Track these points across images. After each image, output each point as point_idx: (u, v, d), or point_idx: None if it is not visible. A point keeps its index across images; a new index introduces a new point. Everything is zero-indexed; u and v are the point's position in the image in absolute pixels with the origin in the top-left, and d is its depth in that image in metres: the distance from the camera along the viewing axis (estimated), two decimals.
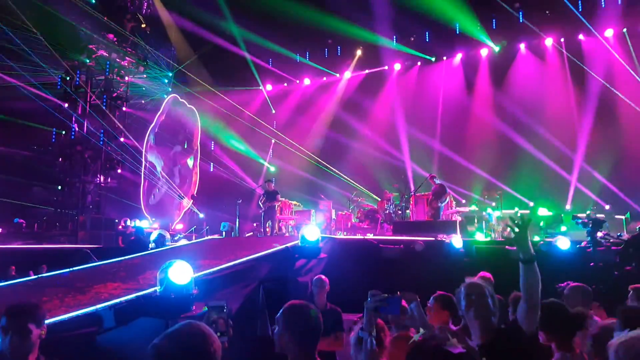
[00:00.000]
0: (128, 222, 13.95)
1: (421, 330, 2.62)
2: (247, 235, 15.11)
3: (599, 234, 8.51)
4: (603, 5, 15.09)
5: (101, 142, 16.67)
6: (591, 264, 7.63)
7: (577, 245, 8.60)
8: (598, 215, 9.38)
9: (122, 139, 17.50)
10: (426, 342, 1.77)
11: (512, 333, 2.65)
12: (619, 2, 14.95)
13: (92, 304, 4.29)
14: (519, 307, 2.68)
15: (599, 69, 15.18)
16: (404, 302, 2.86)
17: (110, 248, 11.66)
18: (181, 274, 3.89)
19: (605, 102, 15.07)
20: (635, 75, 14.69)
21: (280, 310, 2.45)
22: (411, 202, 14.13)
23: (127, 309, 4.24)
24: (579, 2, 15.36)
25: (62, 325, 3.72)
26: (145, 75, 18.72)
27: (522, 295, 2.66)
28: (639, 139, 14.38)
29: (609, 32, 15.48)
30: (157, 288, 3.95)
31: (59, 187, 16.23)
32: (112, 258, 7.33)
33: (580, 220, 9.15)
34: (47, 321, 2.82)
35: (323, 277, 5.64)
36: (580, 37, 15.88)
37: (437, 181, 13.01)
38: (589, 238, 8.47)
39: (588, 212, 11.14)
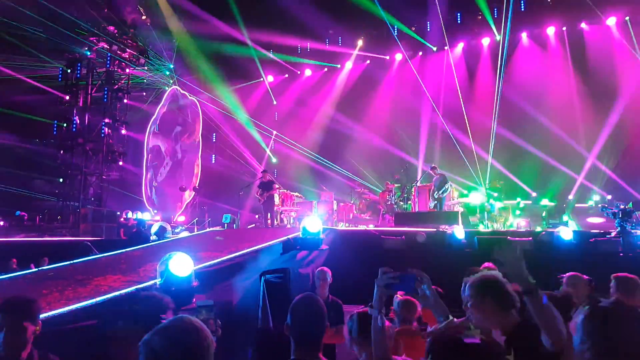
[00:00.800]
0: (129, 215, 13.95)
1: (439, 320, 2.59)
2: (249, 227, 15.13)
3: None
4: None
5: (102, 135, 16.64)
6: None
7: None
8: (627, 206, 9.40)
9: (123, 131, 17.48)
10: (445, 333, 1.75)
11: (536, 328, 2.30)
12: None
13: (92, 296, 4.27)
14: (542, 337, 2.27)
15: (602, 57, 15.04)
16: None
17: (111, 240, 11.68)
18: (181, 266, 3.86)
19: (607, 91, 14.95)
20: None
21: (291, 305, 2.51)
22: (413, 194, 14.11)
23: (127, 302, 4.23)
24: None
25: (61, 317, 3.71)
26: (146, 68, 18.64)
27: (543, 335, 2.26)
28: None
29: (611, 21, 15.32)
30: (157, 280, 3.92)
31: (61, 180, 16.22)
32: (114, 250, 7.32)
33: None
34: (45, 315, 2.79)
35: (326, 269, 5.64)
36: (583, 25, 15.71)
37: (438, 171, 12.98)
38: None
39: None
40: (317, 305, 2.48)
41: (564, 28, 16.05)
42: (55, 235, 13.55)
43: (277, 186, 13.04)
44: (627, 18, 15.06)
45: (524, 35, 16.91)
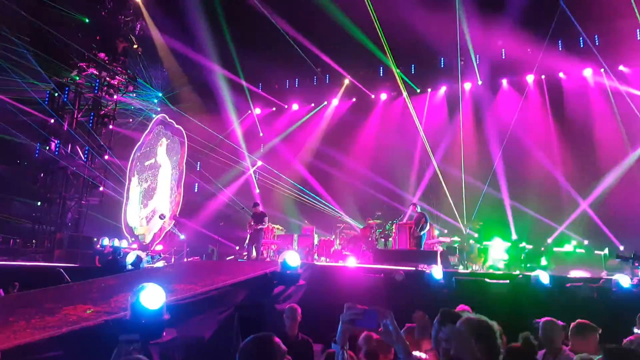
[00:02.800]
0: (106, 242, 13.70)
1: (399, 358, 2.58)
2: (227, 258, 14.94)
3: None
4: (582, 46, 15.62)
5: (85, 160, 16.52)
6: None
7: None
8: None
9: (106, 157, 17.38)
10: None
11: None
12: (597, 43, 15.49)
13: (59, 326, 4.18)
14: None
15: (579, 106, 15.60)
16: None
17: (86, 268, 11.42)
18: (152, 298, 3.81)
19: (584, 138, 15.45)
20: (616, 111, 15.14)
21: (240, 347, 2.37)
22: (394, 231, 14.16)
23: (95, 333, 4.14)
24: (559, 41, 15.90)
25: (25, 348, 3.61)
26: (134, 95, 18.75)
27: None
28: (618, 176, 14.74)
29: (588, 72, 16.00)
30: (127, 312, 3.87)
31: (39, 203, 15.96)
32: (88, 278, 7.17)
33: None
34: (8, 348, 2.72)
35: (295, 306, 5.55)
36: (561, 74, 16.35)
37: (419, 209, 13.10)
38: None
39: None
40: (269, 348, 2.34)
41: (543, 76, 16.67)
42: (28, 260, 13.21)
43: (266, 219, 12.95)
44: (602, 70, 15.74)
45: (504, 81, 17.49)
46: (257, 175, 21.05)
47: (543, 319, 4.80)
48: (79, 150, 16.70)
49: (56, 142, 16.19)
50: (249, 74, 19.25)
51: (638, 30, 15.01)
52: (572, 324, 4.48)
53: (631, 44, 15.11)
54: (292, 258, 7.22)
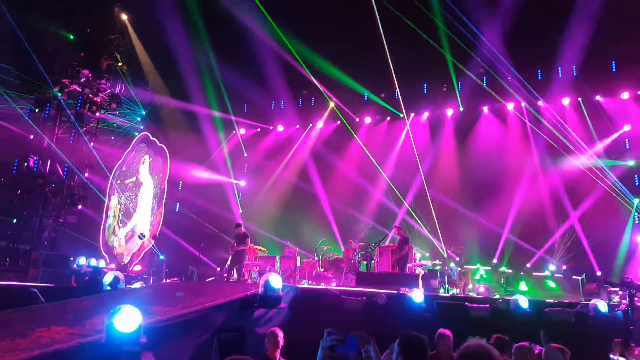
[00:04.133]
0: (83, 261, 13.38)
1: None
2: (208, 280, 14.72)
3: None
4: (560, 75, 16.12)
5: (64, 177, 16.23)
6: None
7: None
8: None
9: (86, 174, 17.10)
10: None
11: None
12: (574, 73, 16.01)
13: (31, 348, 4.05)
14: None
15: (558, 132, 16.00)
16: None
17: (61, 288, 11.11)
18: (129, 320, 3.73)
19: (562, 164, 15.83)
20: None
21: None
22: (376, 253, 14.15)
23: (69, 356, 4.01)
24: (539, 71, 16.39)
25: None
26: (117, 112, 18.62)
27: None
28: (595, 202, 15.07)
29: (566, 100, 16.47)
30: (102, 335, 3.77)
31: (14, 221, 15.56)
32: (63, 299, 6.99)
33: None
34: None
35: (277, 330, 5.46)
36: (540, 103, 16.79)
37: (402, 233, 13.17)
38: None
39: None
40: None
41: (523, 104, 17.08)
42: (1, 279, 12.80)
43: (248, 240, 12.81)
44: (579, 99, 16.22)
45: (485, 108, 17.87)
46: (241, 195, 20.95)
47: (516, 345, 4.81)
48: (59, 167, 16.40)
49: (35, 158, 15.89)
50: (234, 94, 19.31)
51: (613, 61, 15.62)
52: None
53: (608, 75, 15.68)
54: (275, 280, 7.16)
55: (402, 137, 18.71)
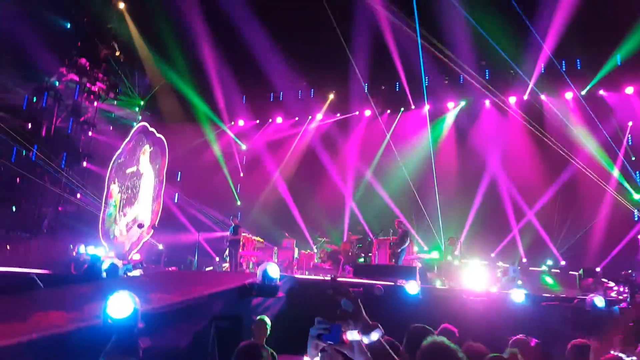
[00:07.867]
0: (82, 249, 13.41)
1: None
2: (206, 269, 14.78)
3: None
4: (564, 69, 16.05)
5: (63, 166, 16.20)
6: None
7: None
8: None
9: (85, 164, 17.07)
10: None
11: None
12: (578, 67, 15.95)
13: (29, 332, 4.07)
14: None
15: (559, 127, 15.96)
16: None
17: (61, 275, 11.12)
18: (124, 306, 3.72)
19: (564, 159, 15.79)
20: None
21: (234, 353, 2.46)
22: (374, 246, 14.21)
23: (67, 340, 4.04)
24: (542, 64, 16.30)
25: None
26: (115, 102, 18.54)
27: None
28: (592, 196, 15.10)
29: (569, 95, 16.43)
30: (100, 320, 3.78)
31: (14, 208, 15.54)
32: (62, 285, 7.02)
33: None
34: None
35: (266, 318, 5.47)
36: (543, 97, 16.74)
37: (402, 227, 13.22)
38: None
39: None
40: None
41: (525, 97, 17.01)
42: (1, 265, 12.80)
43: (241, 230, 12.91)
44: (582, 93, 16.19)
45: (487, 102, 17.79)
46: (239, 187, 20.95)
47: (514, 337, 4.85)
48: (57, 156, 16.36)
49: (33, 148, 15.83)
50: (232, 85, 19.21)
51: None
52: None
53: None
54: (273, 270, 7.19)
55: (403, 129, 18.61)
